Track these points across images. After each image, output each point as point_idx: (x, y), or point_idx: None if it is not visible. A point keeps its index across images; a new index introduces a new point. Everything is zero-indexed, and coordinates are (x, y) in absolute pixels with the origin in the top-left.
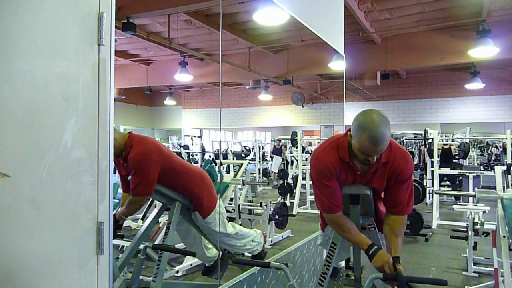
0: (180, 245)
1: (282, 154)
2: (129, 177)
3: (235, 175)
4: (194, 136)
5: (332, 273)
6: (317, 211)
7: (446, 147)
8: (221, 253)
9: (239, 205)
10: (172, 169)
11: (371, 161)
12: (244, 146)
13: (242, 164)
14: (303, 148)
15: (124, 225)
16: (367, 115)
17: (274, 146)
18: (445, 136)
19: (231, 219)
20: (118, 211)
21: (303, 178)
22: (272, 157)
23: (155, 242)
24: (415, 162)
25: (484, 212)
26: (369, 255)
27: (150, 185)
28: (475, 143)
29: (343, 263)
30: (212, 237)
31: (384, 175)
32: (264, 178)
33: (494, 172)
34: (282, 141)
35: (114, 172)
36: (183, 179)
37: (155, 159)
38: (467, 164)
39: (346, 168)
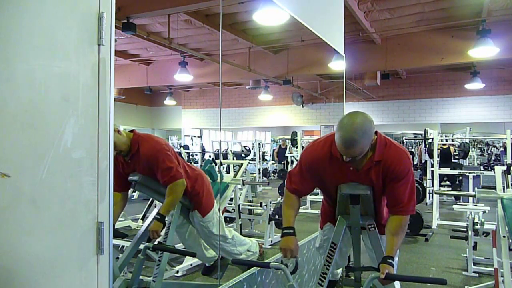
0: (180, 245)
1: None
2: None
3: (235, 175)
4: (194, 136)
5: (329, 285)
6: (317, 211)
7: (445, 147)
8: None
9: (239, 205)
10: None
11: (344, 160)
12: (244, 146)
13: (242, 164)
14: (303, 148)
15: (124, 225)
16: (348, 117)
17: (280, 146)
18: (445, 136)
19: (231, 219)
20: (162, 208)
21: None
22: (276, 160)
23: (155, 242)
24: (415, 162)
25: (484, 212)
26: (281, 236)
27: (178, 167)
28: (475, 143)
29: (339, 275)
30: (208, 239)
31: (378, 173)
32: (264, 178)
33: (494, 172)
34: (281, 141)
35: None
36: (185, 174)
37: (168, 149)
38: (467, 164)
39: (337, 163)
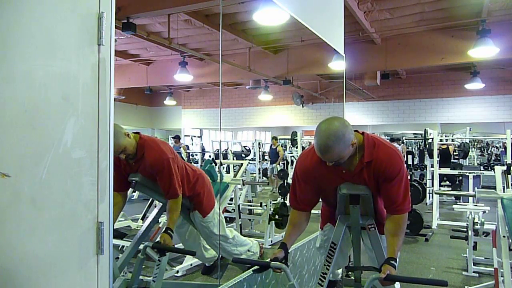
0: (180, 245)
1: (279, 157)
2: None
3: (235, 175)
4: (194, 136)
5: (329, 285)
6: (317, 211)
7: (444, 147)
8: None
9: (239, 205)
10: (179, 168)
11: (327, 164)
12: (244, 146)
13: (242, 164)
14: (303, 148)
15: (124, 225)
16: (323, 124)
17: (271, 146)
18: (445, 136)
19: (231, 219)
20: (168, 223)
21: None
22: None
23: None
24: (416, 162)
25: (484, 212)
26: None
27: (179, 183)
28: (475, 143)
29: (340, 275)
30: (209, 239)
31: (370, 174)
32: (264, 178)
33: (494, 172)
34: (281, 140)
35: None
36: (186, 178)
37: (173, 157)
38: (467, 164)
39: (330, 168)
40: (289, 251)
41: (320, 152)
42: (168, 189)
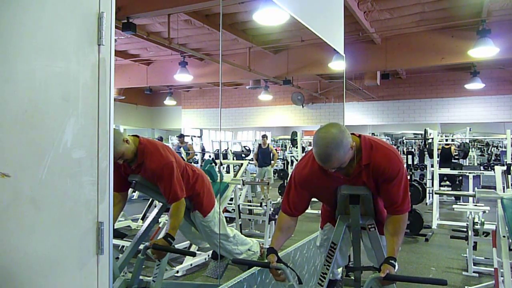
0: (180, 245)
1: (272, 158)
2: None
3: (235, 175)
4: (194, 136)
5: (329, 285)
6: (317, 211)
7: (446, 147)
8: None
9: (239, 205)
10: (180, 170)
11: (329, 172)
12: (244, 146)
13: (242, 164)
14: (303, 148)
15: (124, 225)
16: (321, 132)
17: (260, 145)
18: (445, 136)
19: (231, 219)
20: (169, 228)
21: None
22: (255, 163)
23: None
24: (415, 162)
25: (484, 212)
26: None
27: (182, 186)
28: (475, 143)
29: (339, 275)
30: (210, 239)
31: (369, 176)
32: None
33: (494, 172)
34: (281, 141)
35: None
36: (186, 178)
37: (174, 161)
38: (467, 164)
39: (328, 173)
40: (289, 251)
41: (321, 161)
42: (169, 194)
